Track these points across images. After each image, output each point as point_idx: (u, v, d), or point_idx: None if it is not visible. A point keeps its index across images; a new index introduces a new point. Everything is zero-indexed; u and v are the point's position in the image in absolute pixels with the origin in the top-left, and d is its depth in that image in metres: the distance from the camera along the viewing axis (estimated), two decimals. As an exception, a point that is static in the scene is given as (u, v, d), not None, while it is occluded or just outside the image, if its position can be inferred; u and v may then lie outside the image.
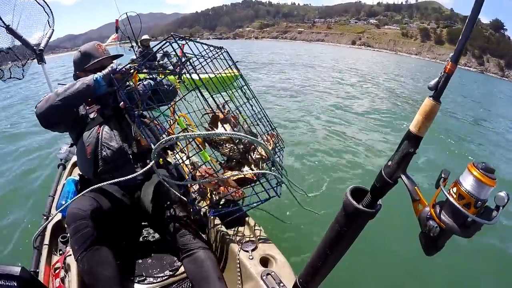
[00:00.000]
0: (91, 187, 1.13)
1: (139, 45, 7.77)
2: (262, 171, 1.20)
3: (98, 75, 1.25)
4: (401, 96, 9.62)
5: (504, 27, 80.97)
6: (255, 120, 1.45)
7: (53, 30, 2.18)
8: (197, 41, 1.31)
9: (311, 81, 10.66)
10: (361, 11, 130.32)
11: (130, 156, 1.34)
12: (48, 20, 2.17)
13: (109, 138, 1.32)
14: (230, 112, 1.38)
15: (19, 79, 2.17)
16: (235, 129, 1.26)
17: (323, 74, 13.20)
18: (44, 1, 2.14)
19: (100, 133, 1.31)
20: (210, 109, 1.27)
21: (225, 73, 1.42)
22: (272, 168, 1.26)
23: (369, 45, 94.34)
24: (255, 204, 1.22)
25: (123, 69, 1.27)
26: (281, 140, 1.57)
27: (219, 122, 1.38)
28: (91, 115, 1.37)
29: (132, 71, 1.26)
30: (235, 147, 1.29)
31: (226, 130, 1.31)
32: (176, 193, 1.20)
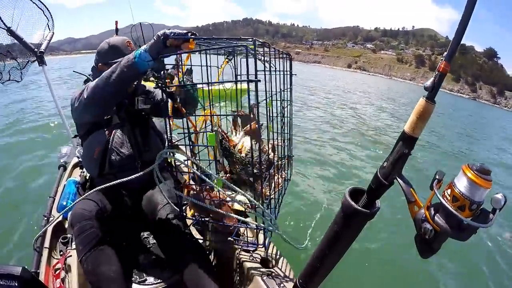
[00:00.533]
0: (95, 188, 1.13)
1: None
2: (244, 218, 1.08)
3: (142, 48, 1.02)
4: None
5: (497, 56, 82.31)
6: (281, 139, 1.34)
7: (53, 33, 2.18)
8: (273, 47, 1.11)
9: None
10: (358, 35, 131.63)
11: (139, 165, 1.30)
12: (47, 23, 2.17)
13: (120, 143, 1.28)
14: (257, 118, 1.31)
15: (18, 81, 2.17)
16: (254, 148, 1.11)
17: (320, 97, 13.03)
18: (44, 4, 2.14)
19: (112, 137, 1.27)
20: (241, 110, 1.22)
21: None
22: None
23: (364, 69, 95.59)
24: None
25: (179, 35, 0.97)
26: (290, 169, 1.48)
27: (243, 131, 1.29)
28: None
29: (189, 35, 0.96)
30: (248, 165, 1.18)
31: (243, 144, 1.22)
32: (166, 198, 1.18)
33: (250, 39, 0.90)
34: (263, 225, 1.06)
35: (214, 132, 1.01)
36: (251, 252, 1.16)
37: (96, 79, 1.10)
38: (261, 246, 1.13)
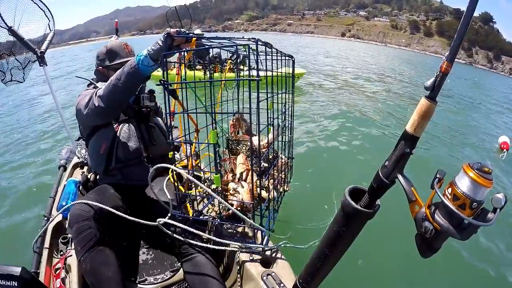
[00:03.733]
0: (97, 187, 1.13)
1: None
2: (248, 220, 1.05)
3: (143, 53, 1.04)
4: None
5: (493, 20, 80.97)
6: (281, 141, 1.34)
7: (54, 33, 2.19)
8: (274, 48, 1.11)
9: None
10: (350, 3, 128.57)
11: (145, 159, 1.35)
12: (48, 24, 2.18)
13: (127, 137, 1.33)
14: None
15: (20, 82, 2.18)
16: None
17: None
18: (45, 4, 2.15)
19: (119, 132, 1.31)
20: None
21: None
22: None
23: (358, 37, 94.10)
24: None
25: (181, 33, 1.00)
26: (291, 172, 1.49)
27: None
28: None
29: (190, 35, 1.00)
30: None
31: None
32: (159, 199, 1.16)
33: (253, 39, 0.91)
34: (260, 226, 1.06)
35: (215, 130, 1.01)
36: (251, 252, 1.16)
37: (104, 87, 1.12)
38: (261, 246, 1.13)
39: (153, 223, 1.03)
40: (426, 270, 2.06)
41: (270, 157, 1.31)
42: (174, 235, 1.06)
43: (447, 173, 0.49)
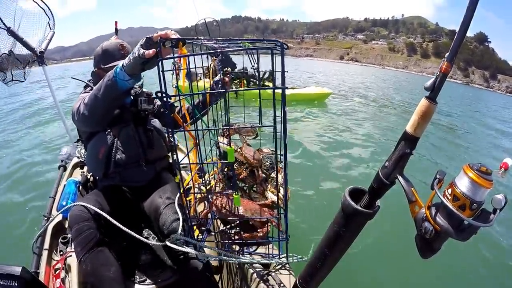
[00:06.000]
0: (96, 190, 1.12)
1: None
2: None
3: (120, 64, 0.97)
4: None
5: (488, 40, 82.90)
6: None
7: (54, 32, 2.19)
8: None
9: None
10: (348, 27, 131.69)
11: (143, 163, 1.34)
12: (48, 23, 2.17)
13: (125, 142, 1.30)
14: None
15: (21, 81, 2.18)
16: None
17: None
18: (45, 3, 2.15)
19: (117, 136, 1.29)
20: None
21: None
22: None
23: (357, 60, 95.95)
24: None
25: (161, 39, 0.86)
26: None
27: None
28: None
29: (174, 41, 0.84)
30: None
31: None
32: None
33: (279, 41, 0.79)
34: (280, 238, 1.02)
35: (231, 147, 0.91)
36: (250, 252, 1.13)
37: (89, 95, 1.10)
38: (278, 257, 1.06)
39: (161, 243, 0.99)
40: (426, 270, 2.06)
41: (268, 163, 1.27)
42: (186, 249, 0.97)
43: (447, 173, 0.49)
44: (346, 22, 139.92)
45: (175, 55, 0.86)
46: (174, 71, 0.88)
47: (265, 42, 0.85)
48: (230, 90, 1.22)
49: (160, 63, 0.77)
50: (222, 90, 1.19)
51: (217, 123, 1.24)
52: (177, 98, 0.87)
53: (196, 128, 0.91)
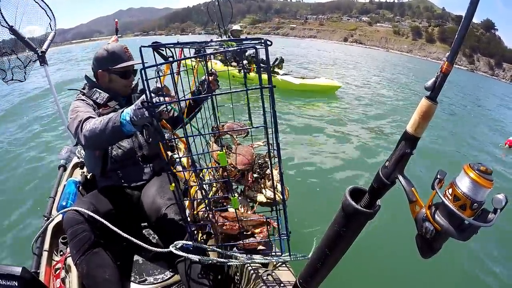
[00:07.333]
0: (94, 192, 1.12)
1: (229, 35, 7.15)
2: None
3: (125, 116, 1.00)
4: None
5: (495, 27, 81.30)
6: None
7: (55, 33, 2.20)
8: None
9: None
10: (353, 8, 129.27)
11: (140, 158, 1.36)
12: (50, 23, 2.19)
13: None
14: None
15: (21, 81, 2.18)
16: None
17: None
18: (46, 4, 2.16)
19: None
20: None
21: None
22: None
23: (361, 42, 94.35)
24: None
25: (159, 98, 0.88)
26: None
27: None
28: None
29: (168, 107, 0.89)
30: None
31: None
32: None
33: (262, 40, 0.80)
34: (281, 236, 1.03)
35: (222, 152, 0.89)
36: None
37: (90, 128, 1.09)
38: (280, 255, 1.06)
39: (165, 249, 0.99)
40: (426, 270, 2.06)
41: (262, 161, 1.27)
42: (191, 256, 0.96)
43: (448, 173, 0.49)
44: (350, 4, 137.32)
45: (158, 63, 0.82)
46: (158, 78, 0.87)
47: (250, 41, 0.87)
48: (216, 93, 1.21)
49: (143, 72, 0.74)
50: (209, 94, 1.18)
51: (205, 127, 1.23)
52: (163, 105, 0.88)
53: (186, 135, 0.89)
